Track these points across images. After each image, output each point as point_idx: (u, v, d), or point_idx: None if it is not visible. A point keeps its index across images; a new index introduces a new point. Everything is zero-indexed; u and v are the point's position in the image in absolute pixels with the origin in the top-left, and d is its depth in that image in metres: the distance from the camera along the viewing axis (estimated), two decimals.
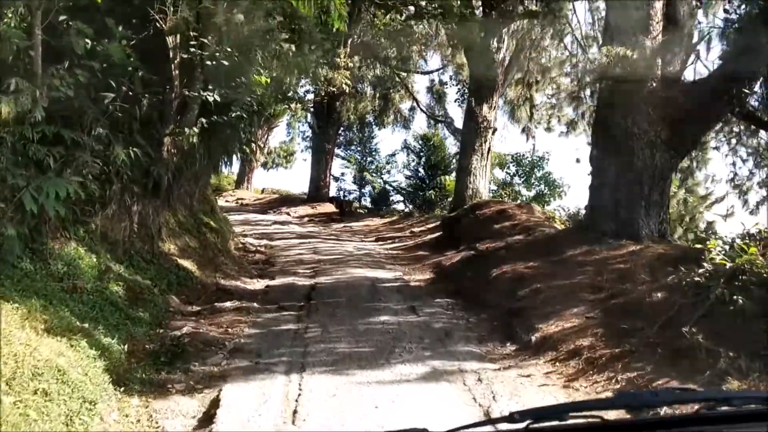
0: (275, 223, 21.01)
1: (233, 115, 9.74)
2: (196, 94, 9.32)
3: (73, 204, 7.29)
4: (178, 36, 9.48)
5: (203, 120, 9.66)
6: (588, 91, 14.03)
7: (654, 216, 8.90)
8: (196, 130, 9.46)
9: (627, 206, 8.87)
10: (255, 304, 8.37)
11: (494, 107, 16.87)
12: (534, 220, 12.57)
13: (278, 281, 10.33)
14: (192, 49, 9.31)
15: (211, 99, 9.18)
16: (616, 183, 9.00)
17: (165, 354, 6.06)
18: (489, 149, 16.79)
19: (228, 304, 8.30)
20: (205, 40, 9.28)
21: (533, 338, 6.30)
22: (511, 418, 1.66)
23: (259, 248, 14.70)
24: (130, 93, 8.54)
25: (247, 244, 15.10)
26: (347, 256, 13.00)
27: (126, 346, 5.86)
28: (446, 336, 6.72)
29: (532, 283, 7.79)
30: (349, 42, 26.32)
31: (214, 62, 9.31)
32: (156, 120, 9.24)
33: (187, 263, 9.93)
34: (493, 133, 16.94)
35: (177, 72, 9.46)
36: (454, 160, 23.98)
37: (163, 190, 9.32)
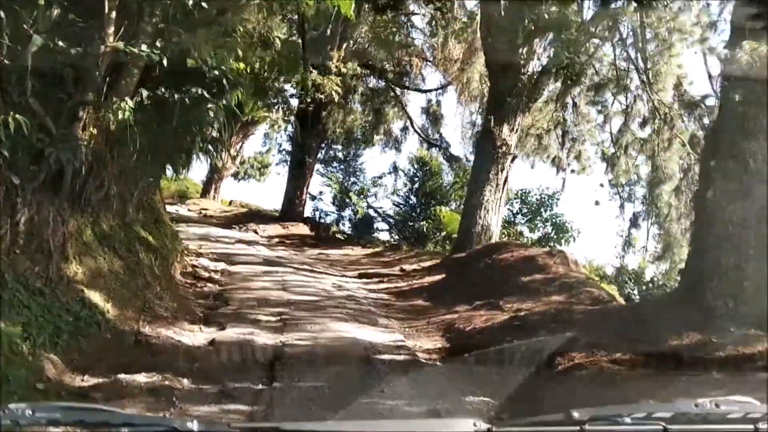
0: (239, 241, 17.82)
1: (192, 91, 6.70)
2: (137, 51, 6.29)
3: None
4: None
5: (144, 92, 6.64)
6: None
7: None
8: (130, 103, 6.40)
9: (759, 275, 6.00)
10: (185, 382, 5.24)
11: (516, 129, 14.08)
12: (574, 275, 9.72)
13: (230, 333, 7.22)
14: None
15: (156, 58, 6.15)
16: (740, 239, 6.15)
17: None
18: (506, 180, 13.96)
19: (141, 377, 5.15)
20: None
21: None
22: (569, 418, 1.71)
23: (213, 274, 11.55)
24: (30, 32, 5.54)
25: (200, 267, 11.93)
26: (325, 299, 9.94)
27: None
28: None
29: (636, 393, 4.83)
30: (344, 46, 23.63)
31: (169, 3, 6.35)
32: (70, 81, 6.18)
33: (98, 297, 6.78)
34: (513, 160, 14.13)
35: (113, 16, 6.45)
36: (451, 190, 21.17)
37: (68, 187, 6.20)
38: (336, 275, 13.33)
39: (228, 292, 10.00)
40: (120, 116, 6.24)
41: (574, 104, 14.11)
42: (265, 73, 15.52)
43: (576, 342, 6.02)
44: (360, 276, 13.55)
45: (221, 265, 12.60)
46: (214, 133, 11.36)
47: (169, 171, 13.25)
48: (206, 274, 11.39)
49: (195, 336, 7.07)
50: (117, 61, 6.47)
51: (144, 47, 6.13)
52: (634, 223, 16.98)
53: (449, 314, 9.15)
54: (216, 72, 7.00)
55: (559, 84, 14.23)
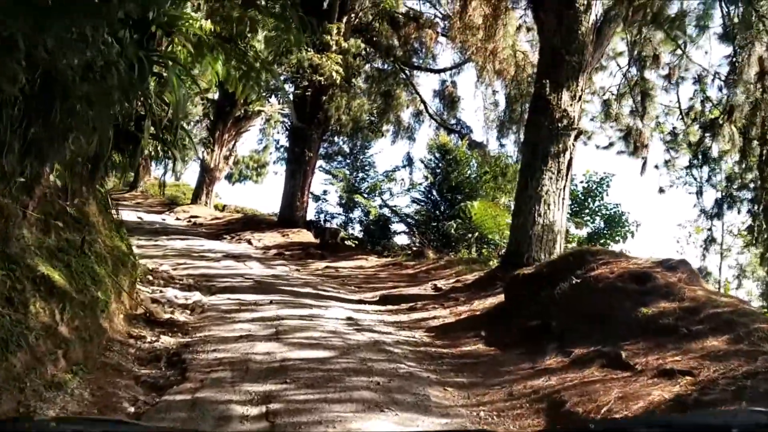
0: (228, 256, 14.49)
1: None
2: None
3: None
4: None
5: None
6: None
7: None
8: None
9: None
10: None
11: (578, 97, 10.63)
12: (725, 302, 6.28)
13: None
14: None
15: None
16: None
17: None
18: (570, 163, 10.51)
19: None
20: None
21: None
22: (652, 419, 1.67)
23: (177, 314, 8.18)
24: None
25: (162, 301, 8.58)
26: (340, 354, 6.50)
27: None
28: None
29: None
30: (344, 19, 20.26)
31: None
32: None
33: None
34: (577, 137, 10.70)
35: None
36: (482, 180, 17.75)
37: None
38: (350, 301, 9.93)
39: (192, 347, 6.60)
40: None
41: (655, 57, 10.66)
42: (247, 41, 12.09)
43: None
44: (382, 300, 10.15)
45: (195, 296, 9.25)
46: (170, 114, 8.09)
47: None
48: (167, 315, 8.01)
49: None
50: None
51: None
52: (716, 214, 13.57)
53: (540, 375, 5.73)
54: None
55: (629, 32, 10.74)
